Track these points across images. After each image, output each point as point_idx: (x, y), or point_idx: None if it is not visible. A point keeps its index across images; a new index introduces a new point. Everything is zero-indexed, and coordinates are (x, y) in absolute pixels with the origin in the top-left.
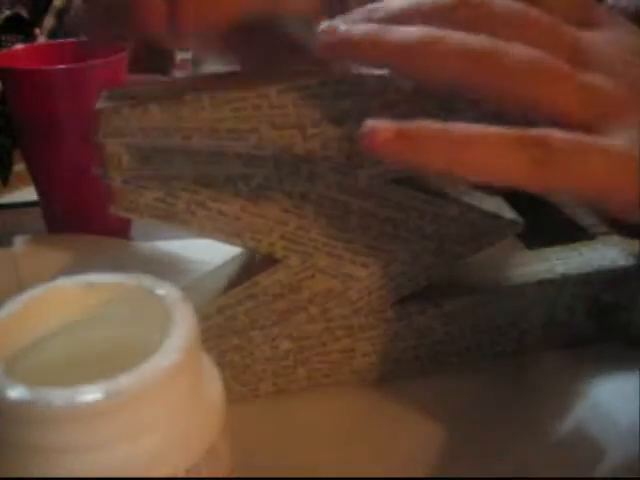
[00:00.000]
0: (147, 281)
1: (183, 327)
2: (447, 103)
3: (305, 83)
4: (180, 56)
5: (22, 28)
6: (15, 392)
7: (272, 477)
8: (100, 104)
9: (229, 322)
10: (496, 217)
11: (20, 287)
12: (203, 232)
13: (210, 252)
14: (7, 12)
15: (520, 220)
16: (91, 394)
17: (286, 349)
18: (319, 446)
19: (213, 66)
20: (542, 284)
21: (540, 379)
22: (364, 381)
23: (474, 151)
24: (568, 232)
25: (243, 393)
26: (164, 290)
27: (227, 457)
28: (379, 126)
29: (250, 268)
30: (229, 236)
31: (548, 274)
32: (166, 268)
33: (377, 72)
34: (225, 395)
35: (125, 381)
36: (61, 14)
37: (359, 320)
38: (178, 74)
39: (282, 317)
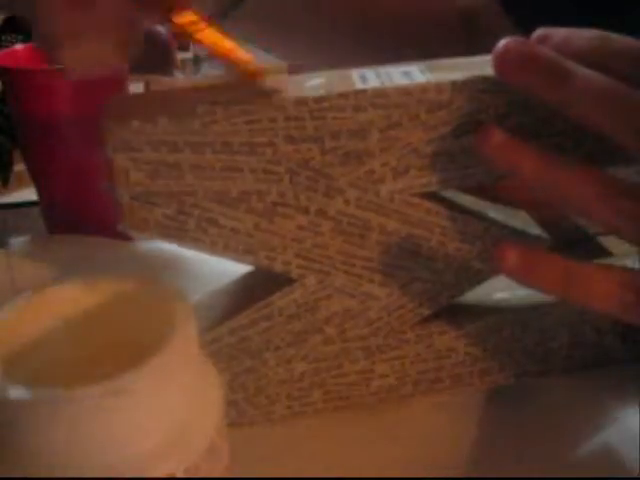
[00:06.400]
0: (147, 281)
1: (183, 327)
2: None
3: (324, 95)
4: (180, 56)
5: (22, 28)
6: (15, 392)
7: (272, 477)
8: (106, 116)
9: (242, 343)
10: (522, 234)
11: (14, 288)
12: (215, 251)
13: None
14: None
15: (546, 236)
16: (91, 394)
17: (301, 371)
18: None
19: (213, 66)
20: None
21: (564, 401)
22: (382, 403)
23: (581, 287)
24: (567, 234)
25: (256, 416)
26: (164, 290)
27: (226, 456)
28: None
29: (264, 286)
30: (242, 254)
31: None
32: (166, 268)
33: (398, 85)
34: (238, 417)
35: (125, 381)
36: None
37: (377, 341)
38: (178, 74)
39: (298, 338)
